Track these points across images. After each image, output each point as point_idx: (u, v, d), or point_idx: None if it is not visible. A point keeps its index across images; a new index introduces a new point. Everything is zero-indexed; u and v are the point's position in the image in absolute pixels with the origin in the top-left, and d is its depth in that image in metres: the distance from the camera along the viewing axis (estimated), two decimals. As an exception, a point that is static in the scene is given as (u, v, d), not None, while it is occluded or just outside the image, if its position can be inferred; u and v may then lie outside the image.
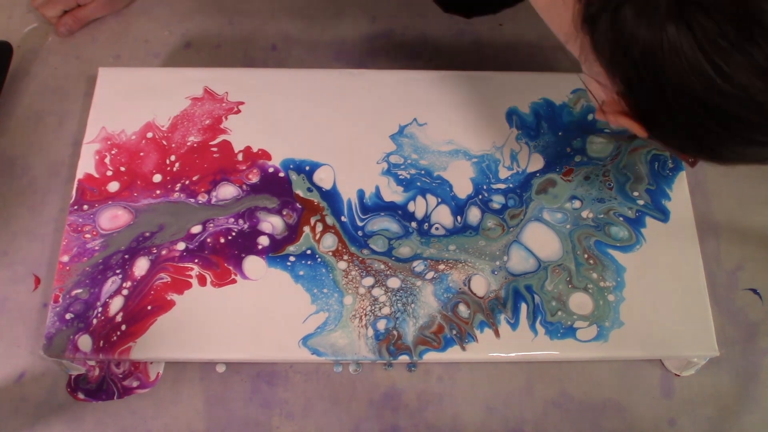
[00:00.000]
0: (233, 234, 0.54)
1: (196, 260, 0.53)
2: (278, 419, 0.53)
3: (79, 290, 0.52)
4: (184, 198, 0.55)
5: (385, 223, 0.55)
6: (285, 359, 0.53)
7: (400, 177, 0.57)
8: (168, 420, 0.53)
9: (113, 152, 0.57)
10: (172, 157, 0.57)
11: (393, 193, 0.56)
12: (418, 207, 0.56)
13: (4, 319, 0.55)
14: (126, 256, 0.53)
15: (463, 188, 0.56)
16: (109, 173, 0.56)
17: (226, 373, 0.54)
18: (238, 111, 0.59)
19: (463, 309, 0.52)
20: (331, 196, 0.56)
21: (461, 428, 0.53)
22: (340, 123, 0.59)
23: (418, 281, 0.53)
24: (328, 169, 0.57)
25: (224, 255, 0.53)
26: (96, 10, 0.68)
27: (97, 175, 0.56)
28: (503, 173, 0.57)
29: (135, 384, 0.53)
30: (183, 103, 0.59)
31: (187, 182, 0.56)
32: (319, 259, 0.53)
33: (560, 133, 0.59)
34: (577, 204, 0.56)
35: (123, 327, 0.50)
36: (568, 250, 0.54)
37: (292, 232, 0.54)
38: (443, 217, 0.55)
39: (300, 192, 0.56)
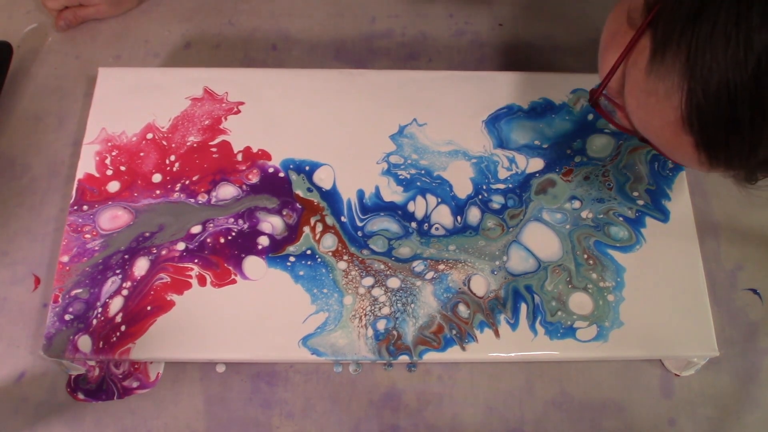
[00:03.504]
0: (233, 234, 0.54)
1: (196, 260, 0.53)
2: (278, 419, 0.53)
3: (79, 290, 0.52)
4: (184, 198, 0.55)
5: (384, 224, 0.55)
6: (285, 359, 0.53)
7: (400, 177, 0.57)
8: (168, 420, 0.53)
9: (113, 153, 0.57)
10: (172, 157, 0.57)
11: (393, 193, 0.56)
12: (418, 207, 0.56)
13: (4, 319, 0.55)
14: (126, 257, 0.53)
15: (462, 188, 0.57)
16: (109, 173, 0.56)
17: (226, 373, 0.54)
18: (238, 111, 0.59)
19: (462, 309, 0.52)
20: (330, 196, 0.56)
21: (461, 428, 0.53)
22: (340, 123, 0.59)
23: (417, 281, 0.53)
24: (328, 169, 0.57)
25: (224, 255, 0.53)
26: (97, 13, 0.68)
27: (97, 175, 0.56)
28: (503, 173, 0.57)
29: (135, 384, 0.53)
30: (183, 103, 0.59)
31: (187, 182, 0.56)
32: (319, 260, 0.53)
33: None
34: (576, 204, 0.56)
35: (123, 327, 0.51)
36: (567, 250, 0.54)
37: (292, 233, 0.54)
38: (443, 217, 0.55)
39: (300, 192, 0.56)
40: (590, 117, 0.60)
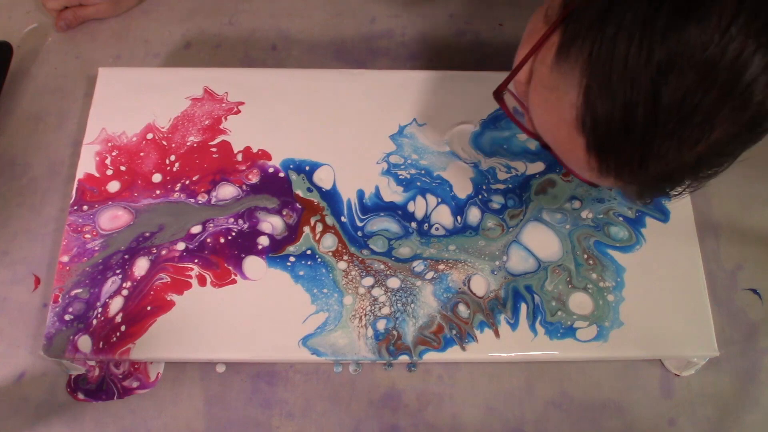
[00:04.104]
0: (233, 234, 0.54)
1: (196, 260, 0.53)
2: (278, 419, 0.53)
3: (79, 290, 0.52)
4: (184, 198, 0.55)
5: (384, 224, 0.55)
6: (285, 359, 0.53)
7: (400, 177, 0.57)
8: (168, 420, 0.53)
9: (113, 153, 0.57)
10: (172, 157, 0.57)
11: (393, 193, 0.56)
12: (417, 207, 0.56)
13: (4, 319, 0.55)
14: (126, 257, 0.53)
15: (462, 188, 0.56)
16: (109, 173, 0.56)
17: (226, 373, 0.54)
18: (238, 111, 0.59)
19: (462, 309, 0.52)
20: (331, 196, 0.56)
21: (461, 428, 0.53)
22: (340, 123, 0.59)
23: (417, 281, 0.53)
24: (328, 169, 0.57)
25: (224, 255, 0.53)
26: (97, 13, 0.68)
27: (97, 175, 0.56)
28: (502, 174, 0.57)
29: (135, 384, 0.53)
30: (183, 103, 0.59)
31: (187, 182, 0.56)
32: (319, 260, 0.53)
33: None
34: (576, 204, 0.56)
35: (123, 327, 0.51)
36: (567, 251, 0.54)
37: (292, 233, 0.54)
38: (443, 217, 0.55)
39: (300, 192, 0.56)
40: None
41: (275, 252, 0.53)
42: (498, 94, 0.45)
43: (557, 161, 0.44)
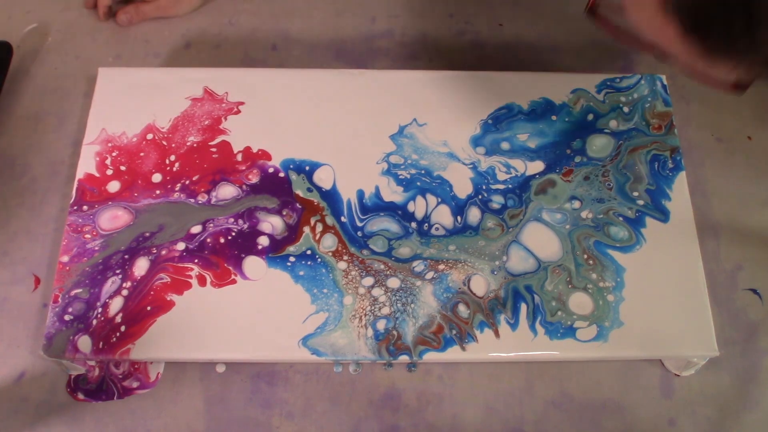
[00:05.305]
0: (233, 234, 0.54)
1: (196, 260, 0.53)
2: (278, 419, 0.53)
3: (79, 290, 0.52)
4: (184, 198, 0.55)
5: (384, 224, 0.55)
6: (285, 359, 0.53)
7: (400, 177, 0.57)
8: (168, 420, 0.53)
9: (113, 153, 0.57)
10: (172, 157, 0.57)
11: (393, 193, 0.56)
12: (417, 207, 0.56)
13: (4, 319, 0.55)
14: (126, 257, 0.53)
15: (462, 188, 0.57)
16: (110, 173, 0.56)
17: (226, 373, 0.54)
18: (238, 111, 0.59)
19: (462, 309, 0.52)
20: (330, 196, 0.56)
21: (461, 428, 0.53)
22: (340, 123, 0.59)
23: (417, 281, 0.53)
24: (327, 169, 0.57)
25: (224, 255, 0.53)
26: (159, 10, 0.68)
27: (97, 175, 0.56)
28: (502, 174, 0.57)
29: (135, 384, 0.53)
30: (183, 103, 0.59)
31: (187, 182, 0.56)
32: (319, 260, 0.53)
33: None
34: (576, 204, 0.56)
35: (123, 327, 0.51)
36: (567, 251, 0.54)
37: (292, 233, 0.54)
38: (443, 217, 0.55)
39: (300, 192, 0.56)
40: (590, 117, 0.60)
41: (275, 252, 0.53)
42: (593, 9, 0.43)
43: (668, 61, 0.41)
